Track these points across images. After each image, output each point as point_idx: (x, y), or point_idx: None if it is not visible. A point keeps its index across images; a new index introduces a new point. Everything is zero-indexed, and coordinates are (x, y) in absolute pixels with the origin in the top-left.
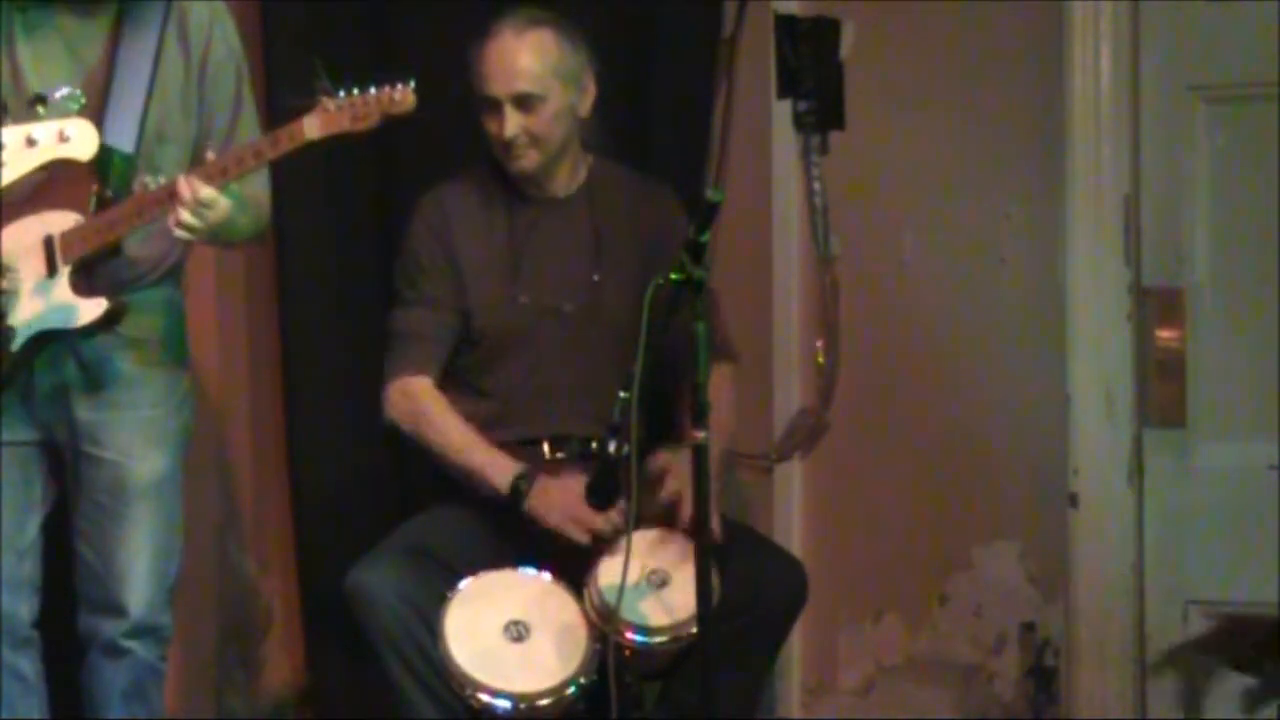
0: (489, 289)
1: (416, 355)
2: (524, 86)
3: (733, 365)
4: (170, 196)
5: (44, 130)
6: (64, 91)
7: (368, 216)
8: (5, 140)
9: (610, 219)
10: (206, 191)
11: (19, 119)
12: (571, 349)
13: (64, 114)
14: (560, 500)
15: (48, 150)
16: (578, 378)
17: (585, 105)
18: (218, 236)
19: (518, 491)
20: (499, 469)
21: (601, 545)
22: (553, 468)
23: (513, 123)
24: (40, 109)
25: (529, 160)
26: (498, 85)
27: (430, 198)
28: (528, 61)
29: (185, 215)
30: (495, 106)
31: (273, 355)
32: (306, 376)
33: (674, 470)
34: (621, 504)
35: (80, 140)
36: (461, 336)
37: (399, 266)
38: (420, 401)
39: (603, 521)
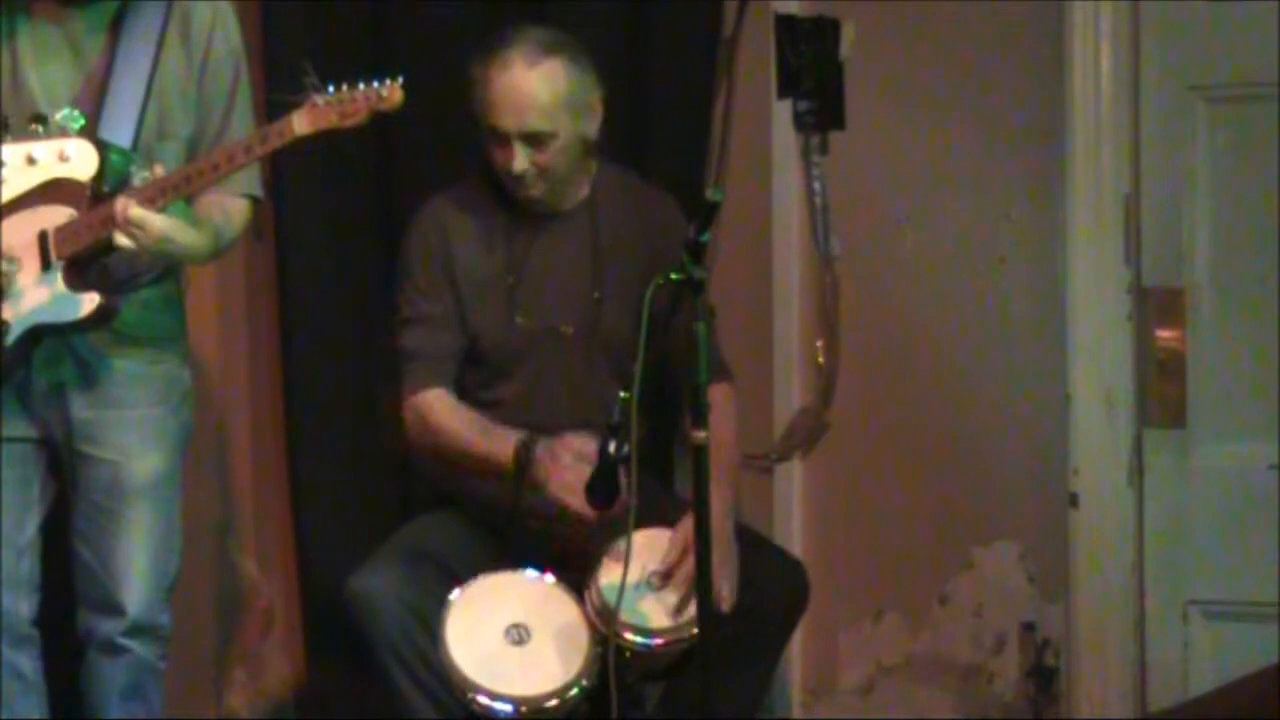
0: (487, 310)
1: (425, 372)
2: (535, 125)
3: (731, 384)
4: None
5: (45, 149)
6: (64, 112)
7: (368, 214)
8: (6, 158)
9: (613, 233)
10: (134, 211)
11: (19, 135)
12: (570, 366)
13: (64, 133)
14: (562, 473)
15: (48, 169)
16: (576, 392)
17: (594, 128)
18: (161, 255)
19: (520, 461)
20: (502, 443)
21: (601, 547)
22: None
23: (521, 158)
24: (40, 128)
25: (536, 190)
26: (508, 120)
27: (428, 212)
28: (539, 98)
29: (118, 236)
30: (503, 139)
31: (273, 355)
32: (306, 375)
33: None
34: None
35: (80, 160)
36: (466, 352)
37: (398, 283)
38: (431, 412)
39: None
